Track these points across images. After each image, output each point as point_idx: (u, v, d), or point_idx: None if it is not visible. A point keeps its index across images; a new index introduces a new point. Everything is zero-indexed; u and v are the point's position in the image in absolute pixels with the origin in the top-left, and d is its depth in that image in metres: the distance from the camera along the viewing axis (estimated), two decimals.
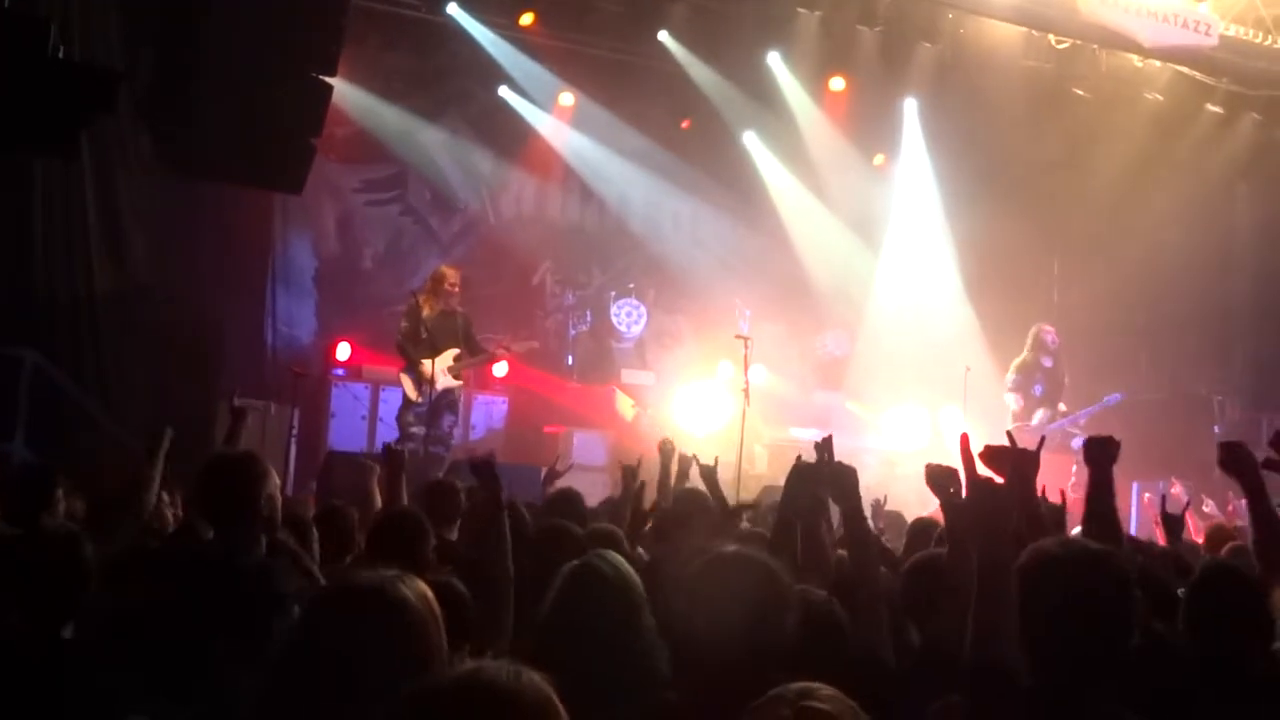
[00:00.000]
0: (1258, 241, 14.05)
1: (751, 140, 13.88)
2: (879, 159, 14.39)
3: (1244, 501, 4.52)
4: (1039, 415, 11.68)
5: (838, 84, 13.45)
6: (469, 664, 1.80)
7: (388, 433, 10.86)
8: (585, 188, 14.09)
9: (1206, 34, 11.95)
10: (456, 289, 10.72)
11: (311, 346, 12.62)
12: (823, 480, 3.98)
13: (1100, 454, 3.96)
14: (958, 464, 4.05)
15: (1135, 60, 12.87)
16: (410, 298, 10.66)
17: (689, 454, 6.18)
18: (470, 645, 2.64)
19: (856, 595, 3.36)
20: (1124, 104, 13.24)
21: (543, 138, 13.52)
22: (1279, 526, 3.80)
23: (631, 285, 13.67)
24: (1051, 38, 12.59)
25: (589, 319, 13.48)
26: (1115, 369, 12.40)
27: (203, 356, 9.89)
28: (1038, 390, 11.55)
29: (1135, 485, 11.64)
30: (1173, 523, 5.26)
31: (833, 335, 13.80)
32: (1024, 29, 12.48)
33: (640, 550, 4.86)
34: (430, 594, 2.32)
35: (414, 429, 10.36)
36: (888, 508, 6.59)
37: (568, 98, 13.26)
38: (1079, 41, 12.60)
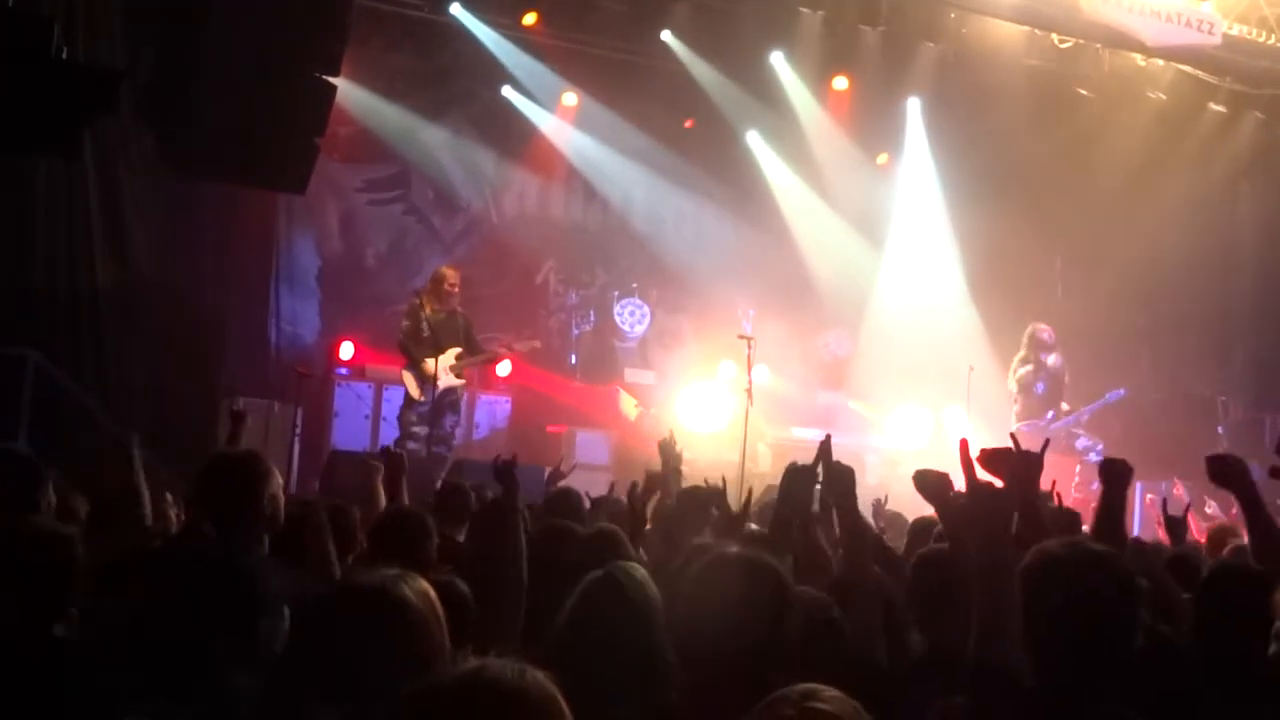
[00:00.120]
0: (1260, 241, 14.03)
1: (754, 140, 13.87)
2: (882, 158, 14.37)
3: None
4: (1048, 415, 11.66)
5: (841, 83, 13.44)
6: (472, 662, 1.80)
7: (391, 432, 10.87)
8: (588, 187, 14.08)
9: (1209, 33, 11.93)
10: (456, 289, 10.75)
11: (315, 346, 12.63)
12: (815, 481, 3.96)
13: (1116, 474, 3.93)
14: (957, 466, 4.06)
15: (1138, 59, 12.85)
16: (413, 297, 10.68)
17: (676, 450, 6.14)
18: (474, 645, 2.63)
19: (850, 596, 3.35)
20: (1127, 103, 13.22)
21: (545, 137, 13.52)
22: (1277, 534, 3.79)
23: (635, 285, 13.67)
24: (1054, 37, 12.57)
25: (592, 318, 13.49)
26: (1118, 368, 12.38)
27: (205, 356, 9.90)
28: (1040, 389, 11.53)
29: (1138, 486, 11.62)
30: (1175, 524, 5.25)
31: (835, 335, 13.79)
32: (1027, 28, 12.47)
33: (640, 551, 4.85)
34: (432, 592, 2.32)
35: (416, 428, 10.37)
36: (889, 508, 6.57)
37: (570, 97, 13.25)
38: (1082, 41, 12.59)
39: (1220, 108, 13.29)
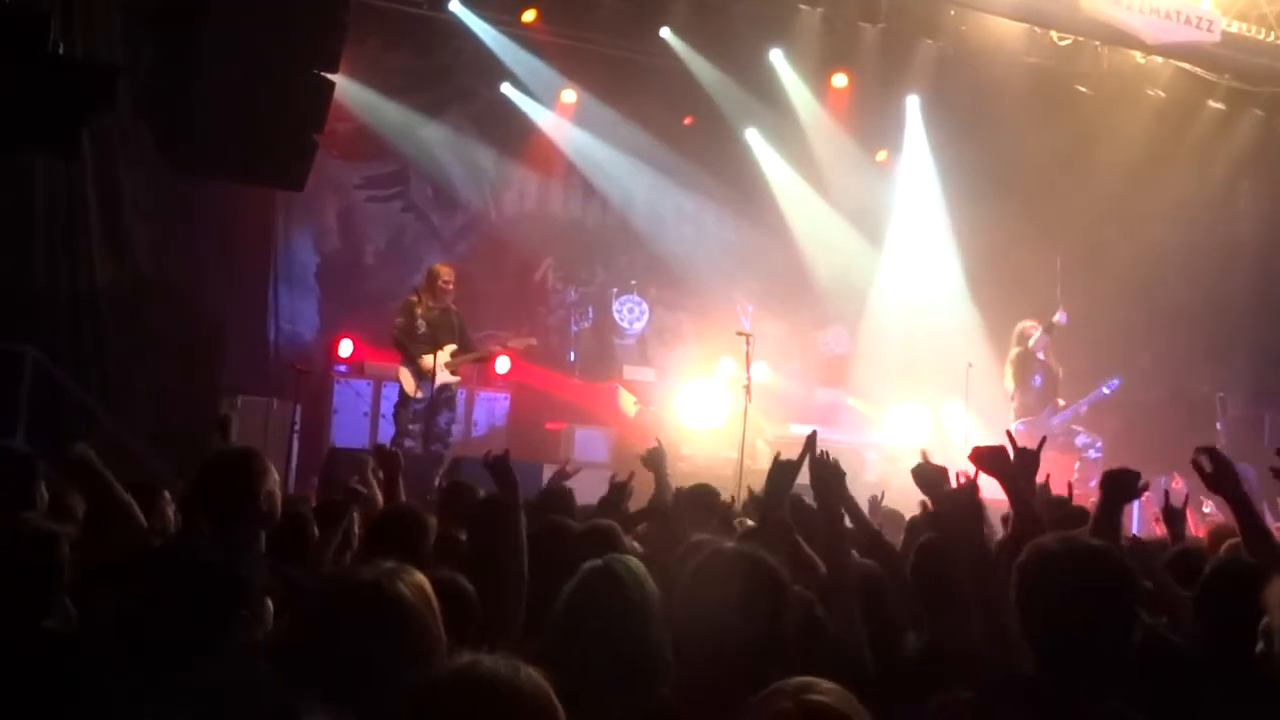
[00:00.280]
0: (1260, 238, 14.03)
1: (754, 137, 13.87)
2: (881, 155, 14.38)
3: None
4: (1045, 411, 11.65)
5: (840, 80, 13.44)
6: (466, 657, 1.81)
7: (390, 429, 10.88)
8: (587, 185, 14.08)
9: (1209, 30, 11.92)
10: (451, 286, 10.78)
11: (314, 343, 12.63)
12: (796, 475, 3.95)
13: (1118, 488, 3.90)
14: (954, 462, 4.07)
15: (1137, 57, 12.84)
16: (413, 294, 10.72)
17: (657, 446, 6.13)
18: (475, 641, 2.63)
19: (830, 596, 3.34)
20: (1126, 101, 13.22)
21: (545, 135, 13.51)
22: (1267, 533, 3.79)
23: (634, 282, 13.68)
24: (1053, 34, 12.57)
25: (591, 316, 13.49)
26: (1117, 365, 12.37)
27: (204, 353, 9.88)
28: (1037, 381, 11.52)
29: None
30: (1174, 517, 5.24)
31: (834, 333, 13.79)
32: (1026, 25, 12.47)
33: (635, 544, 4.85)
34: (428, 586, 2.33)
35: (412, 426, 10.40)
36: (887, 504, 6.57)
37: (570, 95, 13.25)
38: (1081, 38, 12.59)
39: (1219, 105, 13.29)
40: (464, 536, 4.84)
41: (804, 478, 3.90)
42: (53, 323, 8.60)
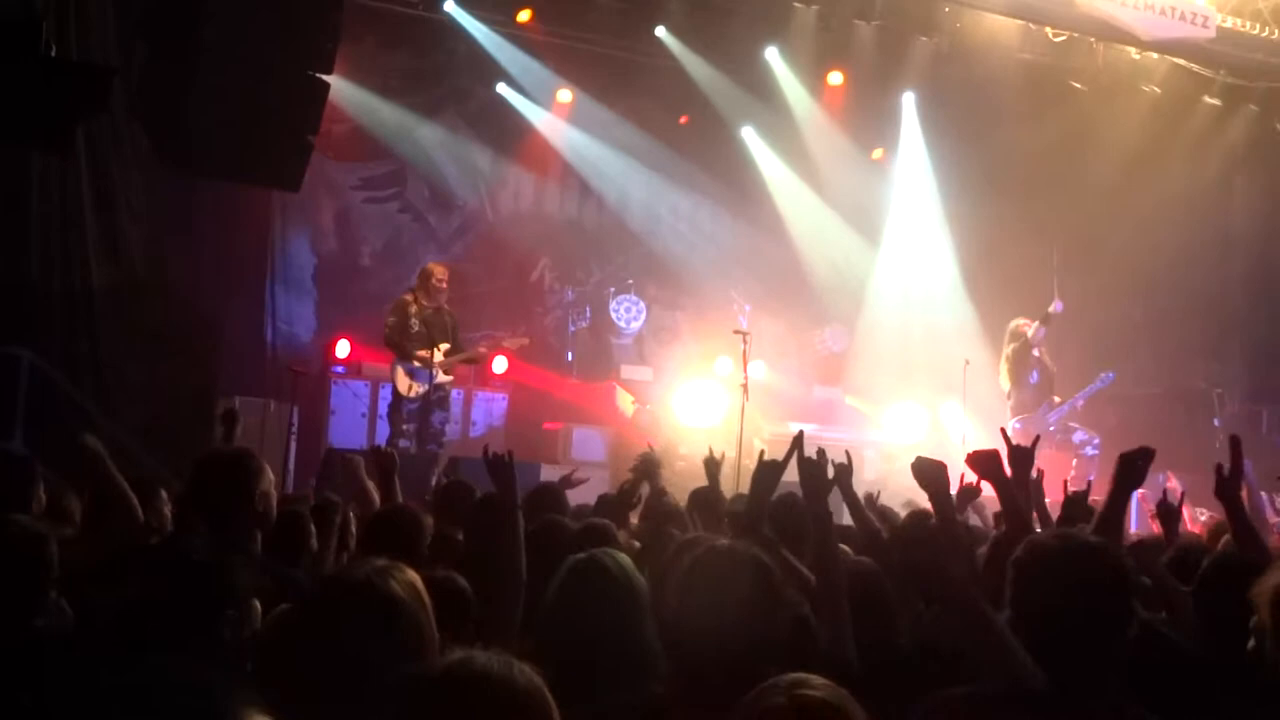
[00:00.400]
0: (1255, 233, 14.04)
1: (750, 135, 13.88)
2: (877, 153, 14.39)
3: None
4: (1041, 408, 11.65)
5: (836, 78, 13.44)
6: (460, 653, 1.81)
7: (385, 429, 10.88)
8: (584, 184, 14.09)
9: (1204, 26, 11.92)
10: (445, 285, 10.80)
11: (311, 344, 12.63)
12: (781, 475, 3.95)
13: (1133, 472, 3.90)
14: (952, 460, 4.08)
15: (1132, 53, 12.85)
16: (407, 293, 10.73)
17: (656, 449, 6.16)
18: (472, 640, 2.64)
19: (819, 600, 3.34)
20: (1121, 97, 13.22)
21: (541, 134, 13.52)
22: (1254, 534, 3.81)
23: (630, 281, 13.67)
24: (1048, 31, 12.57)
25: (588, 315, 13.49)
26: (1113, 361, 12.36)
27: (201, 354, 9.87)
28: (1033, 378, 11.52)
29: None
30: (1170, 515, 5.25)
31: (831, 331, 13.79)
32: (1021, 22, 12.48)
33: (634, 542, 4.86)
34: (420, 584, 2.33)
35: (406, 426, 10.41)
36: (884, 502, 6.56)
37: (565, 94, 13.25)
38: (1076, 34, 12.59)
39: (1215, 101, 13.29)
40: (460, 536, 4.84)
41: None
42: (48, 325, 8.59)
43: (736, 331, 10.70)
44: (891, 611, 3.82)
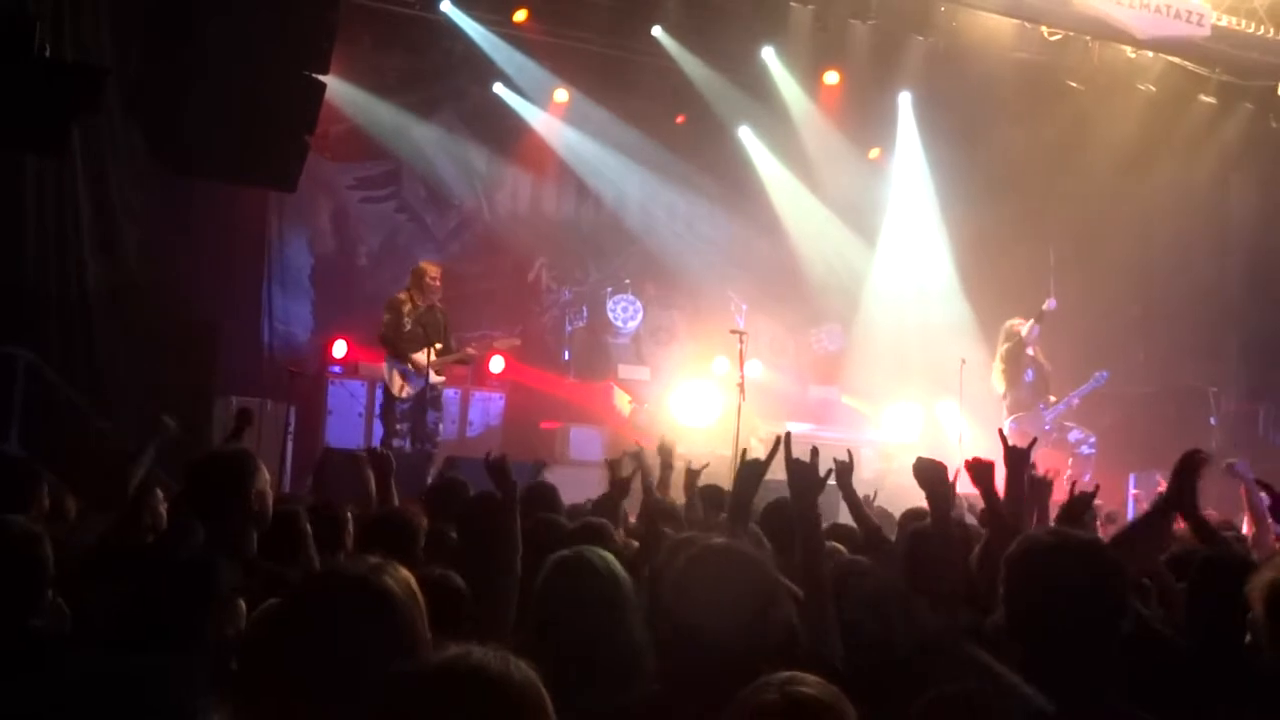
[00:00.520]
0: (1251, 232, 14.06)
1: (746, 135, 13.88)
2: (874, 152, 14.39)
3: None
4: (1038, 406, 11.66)
5: (832, 78, 13.45)
6: (455, 648, 1.81)
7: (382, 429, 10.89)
8: (580, 184, 14.09)
9: (1199, 24, 11.93)
10: (438, 284, 10.82)
11: (308, 344, 12.63)
12: (762, 475, 3.96)
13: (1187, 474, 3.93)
14: (948, 458, 4.10)
15: (1128, 52, 12.85)
16: (401, 292, 10.75)
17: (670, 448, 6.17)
18: (467, 637, 2.64)
19: (805, 606, 3.34)
20: (1117, 95, 13.23)
21: (537, 134, 13.52)
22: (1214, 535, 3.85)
23: (627, 281, 13.67)
24: (1044, 30, 12.58)
25: (585, 315, 13.49)
26: (1109, 360, 12.38)
27: (198, 355, 9.86)
28: (1029, 376, 11.53)
29: (1132, 477, 11.65)
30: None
31: (827, 330, 13.79)
32: (1016, 21, 12.48)
33: (632, 541, 4.87)
34: (414, 583, 2.33)
35: (400, 425, 10.43)
36: (881, 503, 6.57)
37: (562, 94, 13.26)
38: (1071, 33, 12.59)
39: (1210, 99, 13.30)
40: (454, 533, 4.85)
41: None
42: (45, 325, 8.58)
43: (733, 331, 10.71)
44: (888, 610, 3.83)
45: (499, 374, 12.40)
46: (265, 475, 3.76)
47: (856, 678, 2.82)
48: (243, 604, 2.84)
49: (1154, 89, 13.20)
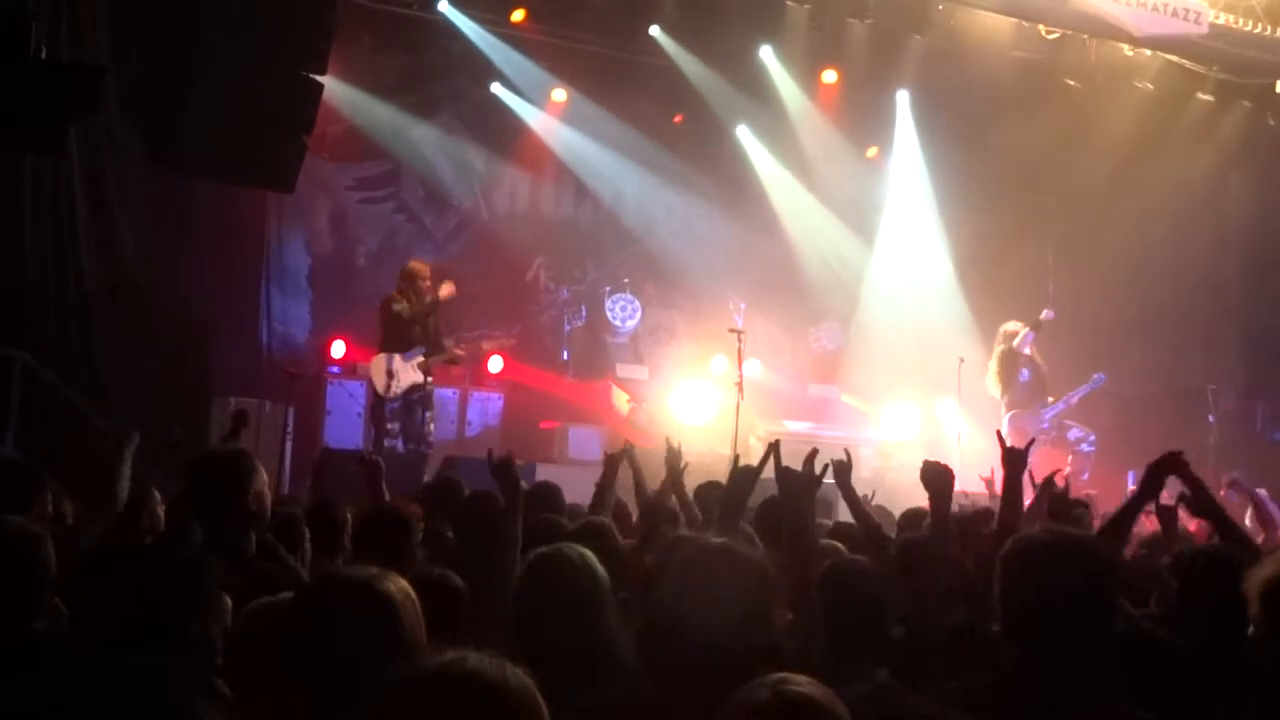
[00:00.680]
0: (1249, 230, 14.06)
1: (744, 134, 13.88)
2: (872, 151, 14.39)
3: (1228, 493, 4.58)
4: (1035, 405, 11.66)
5: (830, 77, 13.45)
6: (451, 653, 1.82)
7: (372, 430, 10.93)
8: (578, 183, 14.08)
9: (1196, 22, 11.95)
10: (429, 283, 10.83)
11: (306, 345, 12.63)
12: (753, 484, 3.98)
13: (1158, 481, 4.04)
14: (947, 457, 4.12)
15: (1126, 50, 12.86)
16: (396, 290, 10.77)
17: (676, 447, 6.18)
18: (465, 638, 2.65)
19: (792, 603, 3.35)
20: (1115, 94, 13.24)
21: (535, 134, 13.51)
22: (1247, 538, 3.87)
23: (626, 280, 13.67)
24: (1041, 28, 12.58)
25: (583, 314, 13.49)
26: (1108, 359, 12.39)
27: (196, 356, 9.88)
28: (1024, 375, 11.54)
29: (1130, 476, 11.65)
30: (1167, 516, 5.26)
31: (826, 329, 13.80)
32: (1014, 20, 12.48)
33: (630, 541, 4.87)
34: (411, 591, 2.34)
35: (391, 425, 10.44)
36: (877, 501, 6.58)
37: (560, 94, 13.25)
38: (1069, 31, 12.60)
39: (1208, 97, 13.31)
40: (449, 533, 4.86)
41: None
42: (42, 326, 8.58)
43: (731, 330, 10.72)
44: (885, 609, 3.84)
45: (497, 374, 12.40)
46: (263, 475, 3.77)
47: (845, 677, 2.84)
48: (229, 601, 2.85)
49: (1152, 87, 13.21)
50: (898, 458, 11.71)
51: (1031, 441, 4.58)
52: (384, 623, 2.26)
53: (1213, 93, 13.28)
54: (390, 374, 10.46)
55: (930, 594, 3.72)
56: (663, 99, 13.31)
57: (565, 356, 13.32)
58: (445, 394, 11.75)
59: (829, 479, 4.58)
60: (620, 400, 12.42)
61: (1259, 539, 6.01)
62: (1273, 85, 13.23)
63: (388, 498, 5.25)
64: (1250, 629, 3.09)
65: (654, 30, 12.59)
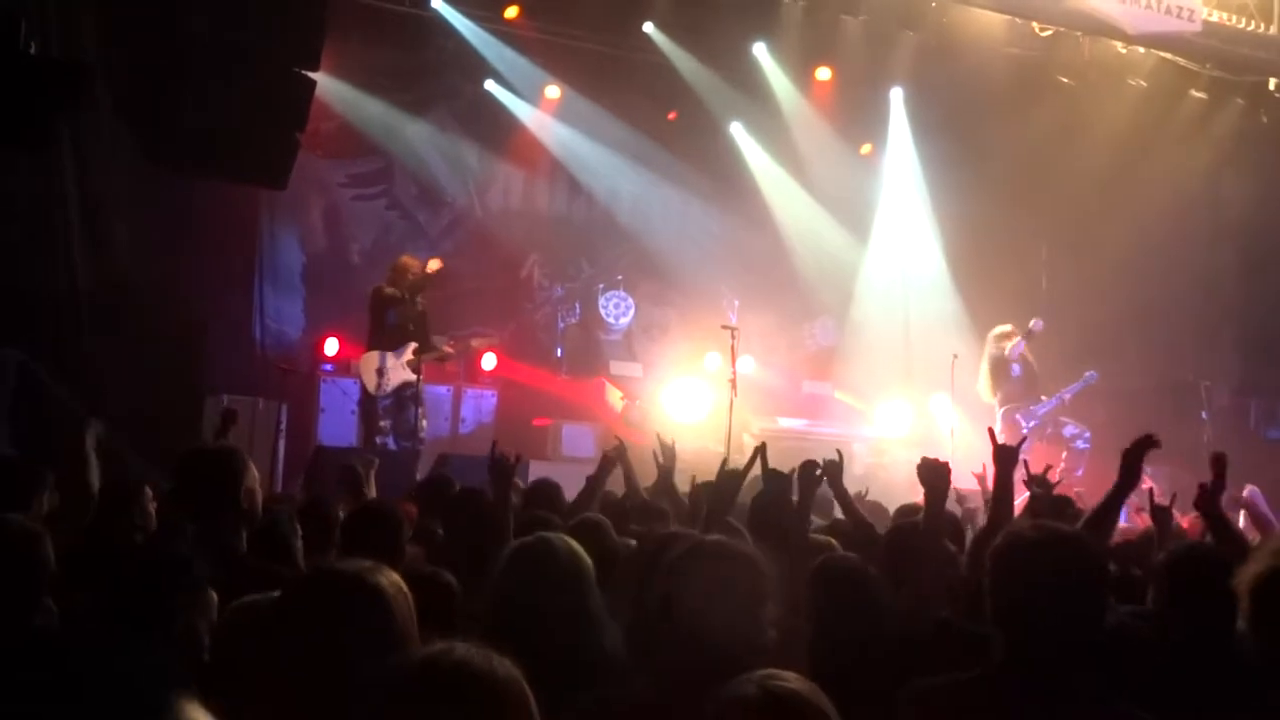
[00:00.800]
0: (1244, 226, 14.08)
1: (738, 131, 13.88)
2: (866, 148, 14.40)
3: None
4: (1027, 400, 11.67)
5: (824, 74, 13.46)
6: (439, 644, 1.82)
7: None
8: (572, 180, 14.08)
9: (1190, 20, 11.97)
10: (419, 279, 10.84)
11: (300, 342, 12.61)
12: (739, 486, 3.99)
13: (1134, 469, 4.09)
14: (941, 453, 4.14)
15: (1119, 47, 12.87)
16: (388, 285, 10.78)
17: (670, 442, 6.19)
18: (457, 634, 2.65)
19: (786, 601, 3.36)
20: (1108, 91, 13.25)
21: (529, 131, 13.50)
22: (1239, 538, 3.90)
23: (620, 277, 13.66)
24: (1035, 25, 12.58)
25: (577, 311, 13.48)
26: (1103, 356, 12.41)
27: (189, 353, 9.85)
28: (1015, 371, 11.55)
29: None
30: (1161, 515, 5.27)
31: (820, 325, 13.81)
32: (1007, 17, 12.48)
33: (629, 541, 4.87)
34: (403, 585, 2.34)
35: (383, 422, 10.45)
36: (872, 498, 6.60)
37: (553, 90, 13.24)
38: (1062, 29, 12.61)
39: (1201, 95, 13.32)
40: (440, 530, 4.87)
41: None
42: (35, 324, 8.56)
43: (725, 327, 10.72)
44: (876, 606, 3.85)
45: (491, 371, 12.40)
46: (254, 473, 3.78)
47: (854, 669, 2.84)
48: (214, 596, 2.85)
49: (1145, 84, 13.22)
50: (891, 454, 11.72)
51: (1024, 439, 4.61)
52: (376, 615, 2.26)
53: (1206, 90, 13.29)
54: (381, 371, 10.47)
55: (921, 588, 3.74)
56: (657, 96, 13.31)
57: (559, 353, 13.32)
58: (439, 391, 11.75)
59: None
60: (614, 397, 12.42)
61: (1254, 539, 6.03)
62: (1266, 82, 13.26)
63: (373, 495, 5.25)
64: (1239, 625, 3.10)
65: (648, 27, 12.58)
